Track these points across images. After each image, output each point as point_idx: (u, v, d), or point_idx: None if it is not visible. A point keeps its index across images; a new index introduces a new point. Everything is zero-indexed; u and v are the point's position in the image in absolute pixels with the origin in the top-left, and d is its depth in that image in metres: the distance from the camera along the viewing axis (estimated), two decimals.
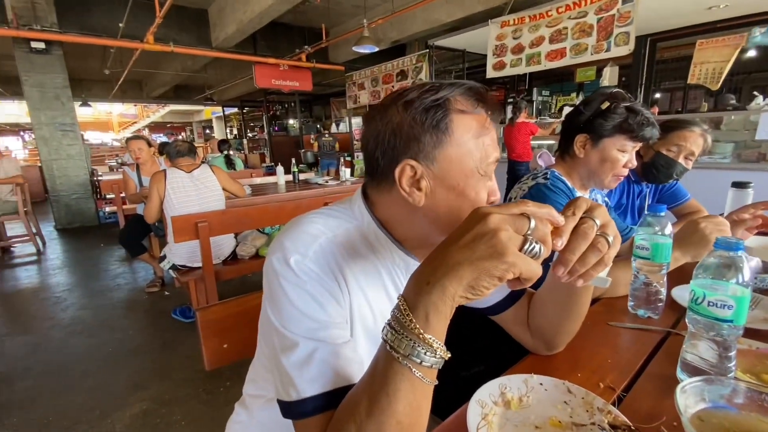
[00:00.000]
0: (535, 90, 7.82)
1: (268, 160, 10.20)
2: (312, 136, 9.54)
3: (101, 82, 10.87)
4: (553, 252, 0.42)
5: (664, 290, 0.84)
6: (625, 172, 1.06)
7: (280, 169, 4.01)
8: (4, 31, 4.72)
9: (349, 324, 0.55)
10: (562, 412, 0.56)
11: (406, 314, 0.39)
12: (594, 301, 0.92)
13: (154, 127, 20.98)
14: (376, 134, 0.55)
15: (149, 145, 3.24)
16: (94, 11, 5.64)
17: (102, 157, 10.82)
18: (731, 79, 5.82)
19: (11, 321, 2.79)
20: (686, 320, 0.62)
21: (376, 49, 5.30)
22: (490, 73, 4.78)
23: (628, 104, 1.01)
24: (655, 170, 1.45)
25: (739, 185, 1.13)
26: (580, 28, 3.83)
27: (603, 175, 1.07)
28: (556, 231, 0.41)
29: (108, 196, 5.58)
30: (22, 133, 17.64)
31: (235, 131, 15.79)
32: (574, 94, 7.63)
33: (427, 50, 5.89)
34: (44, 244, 4.71)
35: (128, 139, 3.29)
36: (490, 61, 4.71)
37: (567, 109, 5.33)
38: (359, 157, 7.12)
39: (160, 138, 15.51)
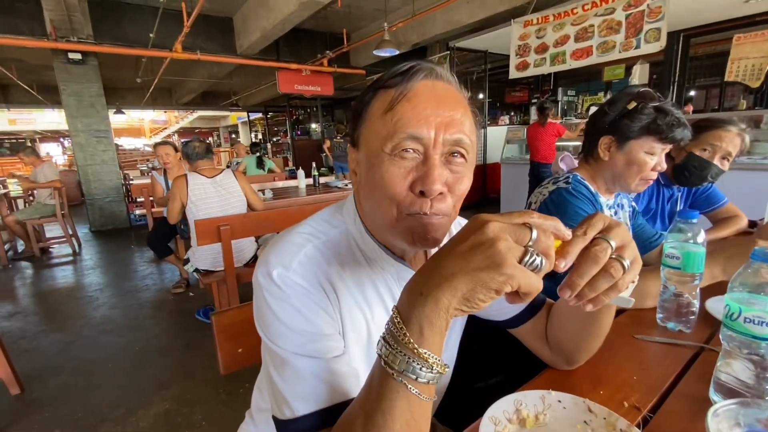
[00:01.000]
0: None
1: (291, 163, 10.38)
2: (329, 139, 9.63)
3: (134, 90, 11.36)
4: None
5: (696, 302, 0.78)
6: (654, 175, 1.01)
7: (300, 172, 4.06)
8: (44, 43, 5.01)
9: (342, 336, 0.53)
10: None
11: (399, 327, 0.37)
12: (619, 312, 0.87)
13: (183, 132, 21.74)
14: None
15: (176, 150, 3.35)
16: (126, 23, 5.90)
17: (134, 162, 11.30)
18: None
19: (47, 319, 2.92)
20: (720, 337, 0.57)
21: (397, 53, 5.30)
22: (513, 74, 4.70)
23: (657, 104, 0.95)
24: (687, 172, 1.38)
25: None
26: (608, 26, 3.71)
27: (629, 178, 1.01)
28: (562, 250, 0.38)
29: (138, 200, 5.81)
30: (61, 139, 18.64)
31: (260, 136, 16.14)
32: (601, 94, 7.39)
33: (448, 52, 5.85)
34: (80, 245, 4.93)
35: (156, 145, 3.41)
36: (513, 61, 4.63)
37: (594, 109, 5.17)
38: None
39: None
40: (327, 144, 8.32)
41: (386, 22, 4.86)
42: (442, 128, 0.47)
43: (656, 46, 3.41)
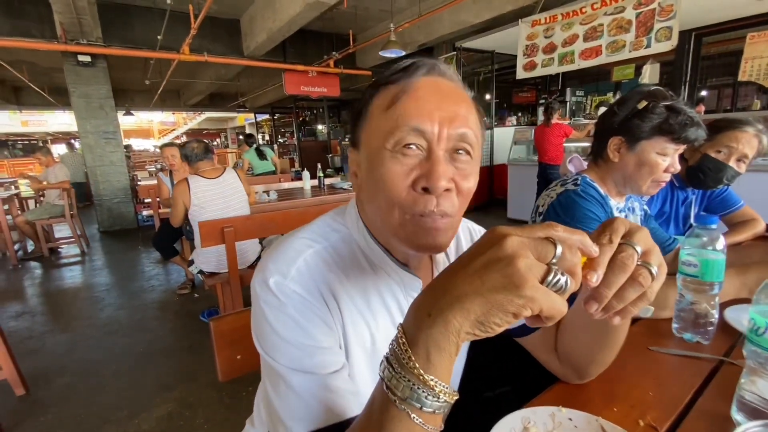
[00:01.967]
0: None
1: (297, 165, 10.40)
2: (339, 140, 9.67)
3: (142, 92, 11.48)
4: None
5: (715, 312, 0.74)
6: (667, 177, 0.97)
7: (306, 174, 4.04)
8: (54, 46, 5.07)
9: (344, 348, 0.50)
10: None
11: (404, 350, 0.34)
12: (633, 321, 0.83)
13: (191, 133, 21.94)
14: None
15: None
16: (135, 25, 5.95)
17: (143, 163, 11.41)
18: None
19: (54, 319, 2.94)
20: (744, 352, 0.53)
21: (403, 53, 5.27)
22: (521, 74, 4.65)
23: (669, 103, 0.91)
24: (701, 174, 1.33)
25: None
26: (617, 25, 3.64)
27: (641, 180, 0.98)
28: (590, 263, 0.34)
29: (146, 201, 5.85)
30: (72, 141, 18.90)
31: (267, 137, 16.23)
32: (610, 94, 7.30)
33: (455, 52, 5.81)
34: (88, 245, 4.98)
35: (162, 146, 3.42)
36: (521, 61, 4.58)
37: (603, 109, 5.10)
38: None
39: None
40: (337, 150, 8.33)
41: (392, 23, 4.84)
42: (446, 122, 0.44)
43: (667, 45, 3.35)
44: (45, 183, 4.46)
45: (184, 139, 19.70)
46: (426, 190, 0.44)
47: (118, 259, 4.48)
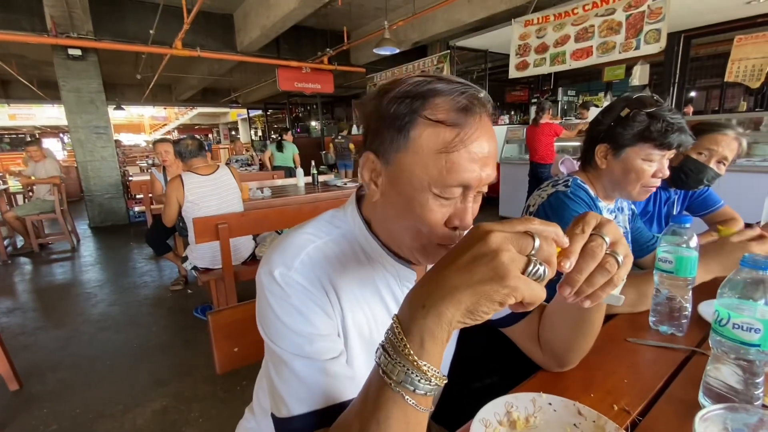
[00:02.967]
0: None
1: None
2: (332, 138, 9.67)
3: (134, 86, 11.34)
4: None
5: (689, 306, 0.79)
6: (657, 182, 0.99)
7: (299, 171, 4.06)
8: (45, 39, 5.00)
9: (342, 335, 0.54)
10: None
11: (400, 338, 0.37)
12: (612, 315, 0.88)
13: (183, 129, 21.70)
14: (363, 119, 0.54)
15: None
16: (126, 19, 5.88)
17: (134, 158, 11.29)
18: None
19: (46, 315, 2.93)
20: (710, 342, 0.58)
21: (398, 51, 5.29)
22: (513, 73, 4.69)
23: (650, 110, 0.94)
24: (683, 175, 1.38)
25: None
26: (608, 26, 3.70)
27: (629, 186, 1.00)
28: (564, 251, 0.38)
29: (137, 196, 5.81)
30: (61, 135, 18.60)
31: (259, 133, 16.13)
32: (601, 94, 7.40)
33: (449, 51, 5.84)
34: (78, 241, 4.94)
35: (155, 142, 3.41)
36: (513, 61, 4.63)
37: (593, 110, 5.18)
38: None
39: None
40: (330, 148, 8.40)
41: (387, 21, 4.85)
42: (485, 171, 0.48)
43: (656, 47, 3.41)
44: (33, 178, 4.41)
45: (175, 134, 19.50)
46: (455, 228, 0.49)
47: (109, 255, 4.46)
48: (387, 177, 0.51)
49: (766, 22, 4.33)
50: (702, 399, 0.59)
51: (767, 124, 3.66)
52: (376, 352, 0.40)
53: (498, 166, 5.54)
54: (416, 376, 0.36)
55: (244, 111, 15.29)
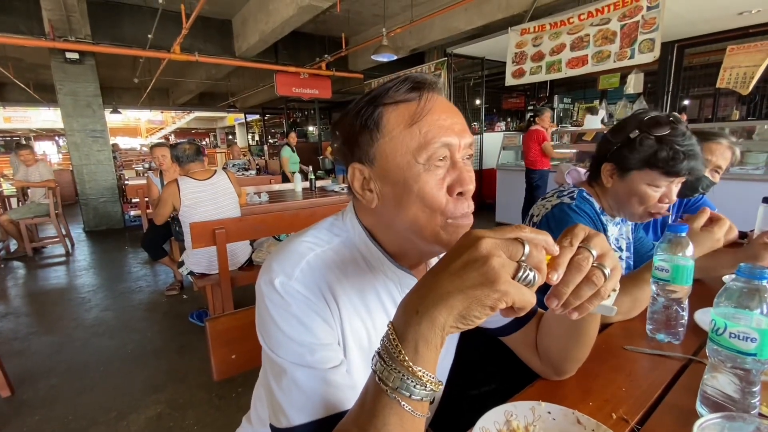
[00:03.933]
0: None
1: None
2: (330, 143, 9.68)
3: (131, 90, 11.32)
4: None
5: (685, 314, 0.80)
6: (663, 208, 0.95)
7: (297, 176, 4.06)
8: (42, 43, 4.99)
9: (342, 344, 0.54)
10: None
11: (395, 344, 0.38)
12: (608, 324, 0.88)
13: (180, 133, 21.67)
14: (337, 147, 0.57)
15: None
16: (125, 23, 5.89)
17: (130, 162, 11.24)
18: (765, 86, 5.57)
19: (39, 320, 2.90)
20: (707, 351, 0.58)
21: (395, 58, 5.33)
22: (509, 81, 4.74)
23: (661, 134, 0.88)
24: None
25: None
26: (603, 35, 3.75)
27: (632, 208, 0.98)
28: (552, 263, 0.39)
29: (133, 200, 5.78)
30: (57, 138, 18.52)
31: (257, 137, 16.12)
32: (597, 102, 7.47)
33: (446, 58, 5.89)
34: (73, 245, 4.90)
35: (152, 147, 3.41)
36: (510, 68, 4.67)
37: (589, 118, 5.22)
38: None
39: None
40: (328, 150, 8.42)
41: (385, 28, 4.89)
42: (460, 134, 0.51)
43: (650, 57, 3.46)
44: (27, 181, 4.38)
45: (172, 138, 19.47)
46: (461, 194, 0.51)
47: (104, 260, 4.43)
48: (376, 175, 0.52)
49: (758, 33, 4.40)
50: (699, 408, 0.59)
51: (759, 133, 3.71)
52: (372, 359, 0.40)
53: (494, 172, 5.57)
54: (412, 381, 0.37)
55: (242, 115, 15.29)
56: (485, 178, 6.31)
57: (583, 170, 1.23)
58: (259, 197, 3.37)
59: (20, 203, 5.20)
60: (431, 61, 6.42)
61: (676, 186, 0.94)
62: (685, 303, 0.79)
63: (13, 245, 4.76)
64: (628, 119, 0.99)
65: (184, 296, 3.21)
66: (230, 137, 20.64)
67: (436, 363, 0.38)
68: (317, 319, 0.50)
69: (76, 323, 2.79)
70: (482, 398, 1.06)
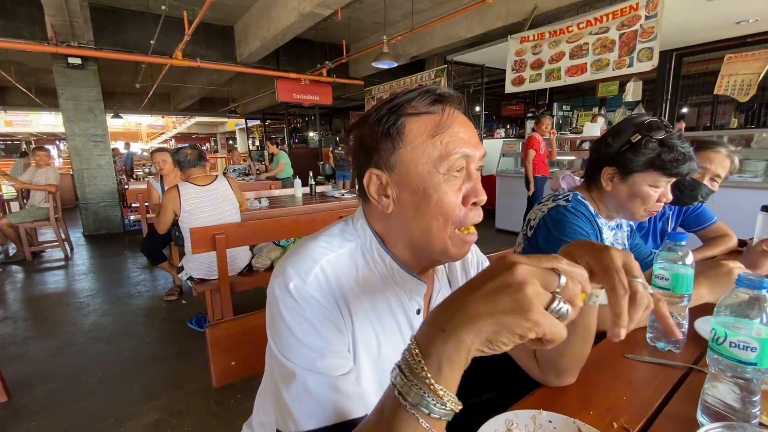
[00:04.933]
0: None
1: None
2: (330, 149, 9.71)
3: (132, 95, 11.37)
4: None
5: (685, 323, 0.80)
6: (659, 207, 0.99)
7: (297, 181, 4.06)
8: (45, 48, 5.02)
9: (352, 351, 0.54)
10: None
11: (417, 360, 0.37)
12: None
13: (180, 137, 21.71)
14: (351, 151, 0.58)
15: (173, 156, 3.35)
16: (127, 29, 5.93)
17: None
18: (763, 94, 5.61)
19: (37, 325, 2.89)
20: (707, 360, 0.58)
21: (396, 65, 5.36)
22: (509, 88, 4.77)
23: (662, 138, 0.93)
24: (678, 191, 1.40)
25: None
26: (602, 44, 3.78)
27: (633, 209, 1.01)
28: (616, 320, 0.38)
29: (133, 205, 5.78)
30: (57, 142, 18.54)
31: (257, 143, 16.18)
32: (596, 109, 7.51)
33: (446, 65, 5.93)
34: (72, 249, 4.89)
35: (153, 152, 3.41)
36: (509, 76, 4.70)
37: (588, 125, 5.25)
38: None
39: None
40: (331, 155, 8.44)
41: (385, 35, 4.93)
42: (476, 147, 0.54)
43: (648, 65, 3.49)
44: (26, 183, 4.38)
45: (173, 143, 19.50)
46: (474, 204, 0.53)
47: (103, 264, 4.41)
48: (395, 182, 0.53)
49: (756, 42, 4.45)
50: (700, 417, 0.59)
51: (758, 141, 3.73)
52: (392, 372, 0.39)
53: (494, 178, 5.59)
54: (432, 400, 0.36)
55: (243, 121, 15.35)
56: (484, 185, 6.29)
57: (577, 177, 1.25)
58: (259, 203, 3.37)
59: (21, 207, 5.20)
60: (431, 68, 6.47)
61: (669, 186, 0.99)
62: (686, 311, 0.79)
63: (12, 249, 4.74)
64: (624, 125, 1.01)
65: (183, 301, 3.20)
66: (231, 142, 20.70)
67: (456, 383, 0.37)
68: (330, 325, 0.51)
69: (74, 328, 2.78)
70: (482, 406, 1.05)
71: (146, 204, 4.14)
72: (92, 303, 3.24)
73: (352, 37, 7.07)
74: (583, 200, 1.06)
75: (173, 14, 5.14)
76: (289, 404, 0.48)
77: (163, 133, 20.82)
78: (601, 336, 0.72)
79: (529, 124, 6.41)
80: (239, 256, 2.50)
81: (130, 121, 19.38)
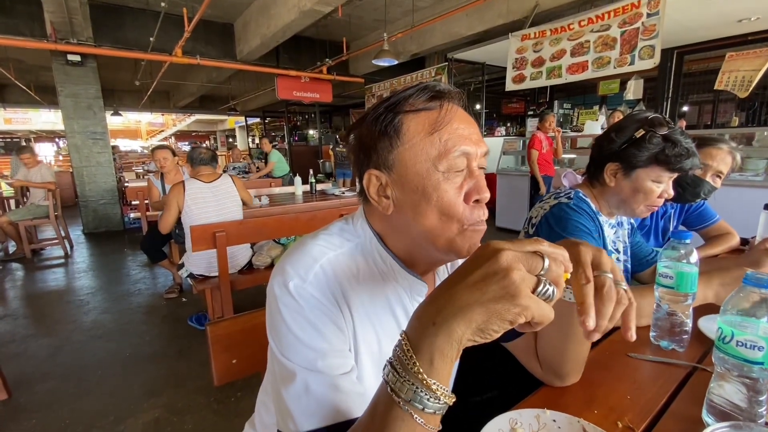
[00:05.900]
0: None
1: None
2: (330, 146, 9.69)
3: (132, 92, 11.35)
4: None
5: (689, 321, 0.79)
6: (660, 202, 1.00)
7: (297, 179, 4.05)
8: (44, 45, 5.00)
9: (353, 350, 0.53)
10: None
11: (409, 356, 0.36)
12: (613, 330, 0.88)
13: (180, 135, 21.69)
14: (352, 151, 0.57)
15: (173, 154, 3.34)
16: (127, 26, 5.91)
17: (130, 164, 11.24)
18: (764, 93, 5.60)
19: (36, 323, 2.88)
20: (713, 359, 0.58)
21: (396, 62, 5.35)
22: (510, 86, 4.75)
23: (666, 133, 0.93)
24: (680, 189, 1.39)
25: None
26: (603, 42, 3.77)
27: (635, 205, 1.01)
28: (581, 308, 0.38)
29: (133, 203, 5.77)
30: (57, 140, 18.52)
31: (257, 141, 16.16)
32: (596, 107, 7.50)
33: (446, 63, 5.92)
34: (72, 247, 4.88)
35: (154, 149, 3.40)
36: (510, 74, 4.69)
37: (589, 123, 5.24)
38: None
39: (185, 146, 16.03)
40: (332, 152, 8.41)
41: (386, 33, 4.91)
42: (477, 144, 0.52)
43: (650, 63, 3.48)
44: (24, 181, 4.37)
45: (172, 140, 19.48)
46: (477, 201, 0.52)
47: (102, 262, 4.41)
48: (394, 182, 0.52)
49: (757, 40, 4.43)
50: (706, 416, 0.59)
51: (759, 140, 3.72)
52: (384, 369, 0.39)
53: (494, 176, 5.58)
54: (425, 394, 0.36)
55: (242, 118, 15.32)
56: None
57: (579, 175, 1.24)
58: (260, 200, 3.37)
59: (20, 204, 5.19)
60: (432, 65, 6.46)
61: (671, 182, 0.99)
62: (689, 310, 0.79)
63: (12, 247, 4.74)
64: (627, 121, 1.02)
65: (183, 299, 3.19)
66: (230, 140, 20.67)
67: (450, 376, 0.37)
68: (330, 324, 0.50)
69: (74, 326, 2.78)
70: (485, 405, 1.05)
71: (146, 202, 4.13)
72: (92, 301, 3.23)
73: (353, 35, 7.05)
74: (584, 198, 1.06)
75: (173, 11, 5.13)
76: (288, 404, 0.47)
77: (162, 131, 20.79)
78: (604, 335, 0.72)
79: (530, 122, 6.39)
80: (240, 254, 2.50)
81: (129, 118, 19.38)
